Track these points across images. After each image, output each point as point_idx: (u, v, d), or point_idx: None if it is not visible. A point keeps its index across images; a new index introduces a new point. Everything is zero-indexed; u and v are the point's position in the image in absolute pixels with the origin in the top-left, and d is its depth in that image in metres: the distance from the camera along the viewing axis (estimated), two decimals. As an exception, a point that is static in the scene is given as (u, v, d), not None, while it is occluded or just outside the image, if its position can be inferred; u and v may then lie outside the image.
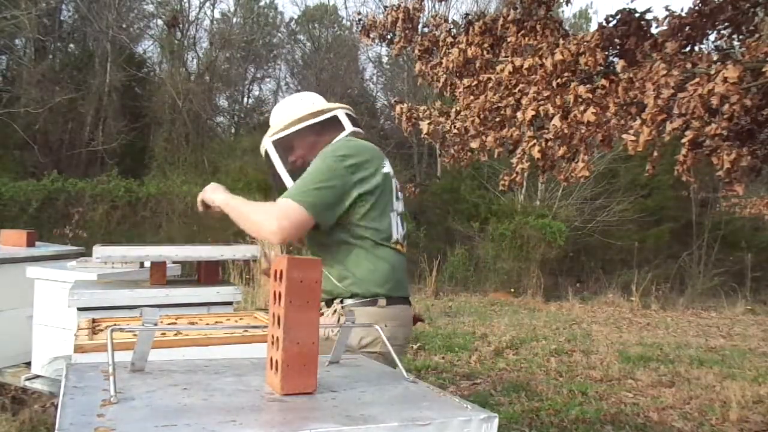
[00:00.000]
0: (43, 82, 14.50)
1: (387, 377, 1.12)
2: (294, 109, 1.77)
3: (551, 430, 3.64)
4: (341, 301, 1.64)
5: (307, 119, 1.72)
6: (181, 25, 17.47)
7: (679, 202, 15.16)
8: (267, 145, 1.76)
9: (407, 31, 4.03)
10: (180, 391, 0.93)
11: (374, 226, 1.64)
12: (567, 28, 3.93)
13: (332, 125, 1.73)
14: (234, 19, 19.23)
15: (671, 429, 3.81)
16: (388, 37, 4.16)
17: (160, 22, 18.38)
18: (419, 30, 4.13)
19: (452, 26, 4.06)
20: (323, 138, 1.70)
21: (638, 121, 2.85)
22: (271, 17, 20.56)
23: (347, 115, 1.77)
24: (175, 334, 1.44)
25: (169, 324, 1.61)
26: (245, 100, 20.99)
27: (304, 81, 19.44)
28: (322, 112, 1.74)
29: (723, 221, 14.23)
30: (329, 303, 1.67)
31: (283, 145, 1.73)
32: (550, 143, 3.27)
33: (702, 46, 3.28)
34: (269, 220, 1.55)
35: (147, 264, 2.51)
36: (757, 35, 3.03)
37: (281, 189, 1.70)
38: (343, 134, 1.72)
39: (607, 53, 3.34)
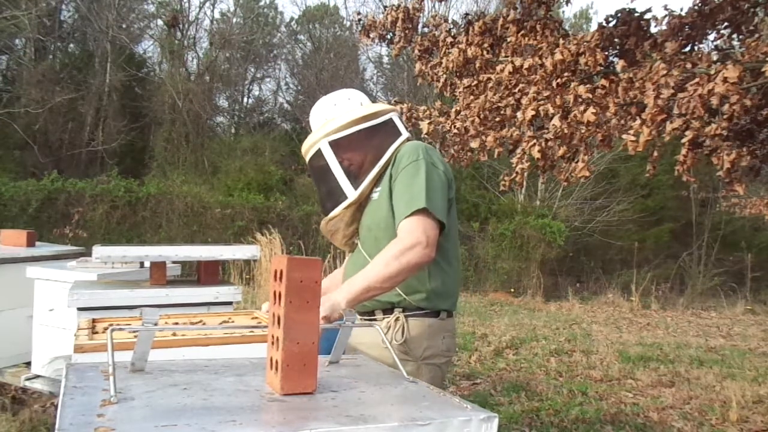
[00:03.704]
0: (43, 82, 14.50)
1: (387, 377, 1.12)
2: (346, 109, 1.72)
3: (551, 430, 3.64)
4: (403, 310, 1.59)
5: (363, 121, 1.67)
6: (181, 25, 17.47)
7: (679, 202, 15.17)
8: (322, 145, 1.68)
9: (407, 31, 4.03)
10: (180, 391, 0.93)
11: (451, 240, 1.63)
12: (567, 28, 3.93)
13: (387, 129, 1.71)
14: (234, 19, 19.23)
15: (671, 429, 3.81)
16: (388, 37, 4.16)
17: (160, 22, 18.39)
18: (419, 30, 4.13)
19: (452, 26, 4.06)
20: (377, 141, 1.68)
21: (638, 121, 2.85)
22: (271, 17, 20.56)
23: (398, 118, 1.77)
24: (173, 334, 1.44)
25: (170, 324, 1.60)
26: (245, 100, 21.01)
27: (304, 81, 19.43)
28: (378, 114, 1.70)
29: (723, 221, 14.24)
30: (387, 311, 1.61)
31: (338, 147, 1.67)
32: (550, 143, 3.27)
33: (702, 46, 3.28)
34: (413, 249, 1.46)
35: (147, 264, 2.52)
36: (757, 35, 3.03)
37: (333, 190, 1.68)
38: (400, 139, 1.70)
39: (607, 53, 3.34)
